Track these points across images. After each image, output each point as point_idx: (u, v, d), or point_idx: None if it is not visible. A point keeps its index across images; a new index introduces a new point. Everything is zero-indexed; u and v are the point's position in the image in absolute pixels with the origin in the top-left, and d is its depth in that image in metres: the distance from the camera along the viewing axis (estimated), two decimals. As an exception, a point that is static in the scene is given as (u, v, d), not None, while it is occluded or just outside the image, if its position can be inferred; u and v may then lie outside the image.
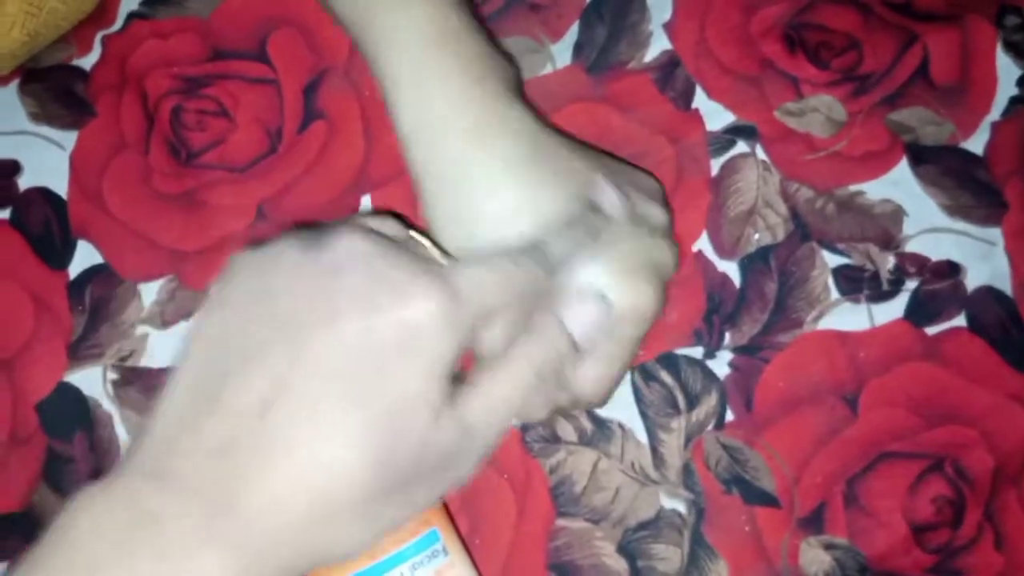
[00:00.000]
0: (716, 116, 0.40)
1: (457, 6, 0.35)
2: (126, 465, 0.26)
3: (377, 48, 0.34)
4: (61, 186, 0.41)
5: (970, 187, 0.39)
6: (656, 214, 0.34)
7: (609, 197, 0.33)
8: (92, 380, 0.38)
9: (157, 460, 0.26)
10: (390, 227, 0.32)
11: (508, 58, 0.36)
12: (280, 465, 0.26)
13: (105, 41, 0.42)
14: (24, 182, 0.41)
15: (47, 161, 0.41)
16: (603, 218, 0.33)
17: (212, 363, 0.27)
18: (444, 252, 0.33)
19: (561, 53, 0.42)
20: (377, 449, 0.26)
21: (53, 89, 0.42)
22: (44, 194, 0.41)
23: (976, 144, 0.40)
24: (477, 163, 0.33)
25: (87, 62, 0.42)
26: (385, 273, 0.28)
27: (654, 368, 0.38)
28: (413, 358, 0.27)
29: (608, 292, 0.32)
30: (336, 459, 0.26)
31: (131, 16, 0.43)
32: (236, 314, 0.28)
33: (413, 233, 0.32)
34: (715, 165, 0.40)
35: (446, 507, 0.35)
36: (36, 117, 0.42)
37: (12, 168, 0.41)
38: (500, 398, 0.29)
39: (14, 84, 0.42)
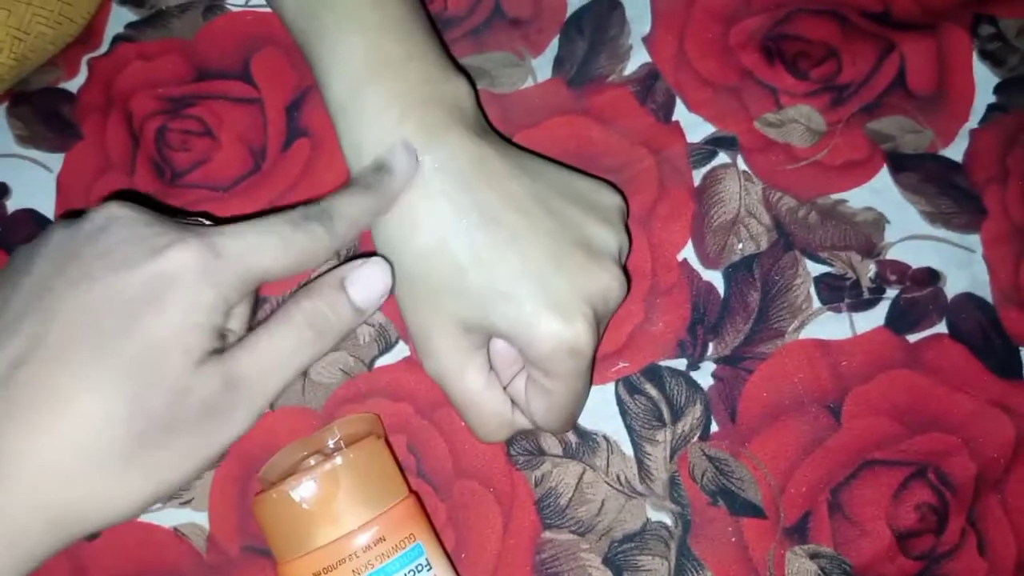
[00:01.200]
0: (696, 128, 0.41)
1: (400, 32, 0.35)
2: None
3: (323, 76, 0.35)
4: (48, 207, 0.41)
5: (950, 194, 0.39)
6: (604, 238, 0.34)
7: (396, 159, 0.33)
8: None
9: None
10: (173, 213, 0.33)
11: (463, 79, 0.35)
12: (30, 419, 0.27)
13: (91, 64, 0.43)
14: (12, 204, 0.41)
15: (34, 183, 0.41)
16: (389, 175, 0.33)
17: None
18: None
19: (542, 67, 0.42)
20: (127, 396, 0.27)
21: (40, 112, 0.42)
22: (31, 216, 0.41)
23: (955, 151, 0.40)
24: (402, 197, 0.33)
25: (74, 85, 0.43)
26: (141, 232, 0.29)
27: (639, 381, 0.38)
28: (166, 307, 0.28)
29: (537, 328, 0.31)
30: (88, 408, 0.27)
31: (117, 39, 0.43)
32: (4, 292, 0.29)
33: (203, 220, 0.33)
34: (697, 176, 0.40)
35: (430, 520, 0.35)
36: (23, 140, 0.42)
37: (0, 191, 0.41)
38: (271, 351, 0.30)
39: (2, 107, 0.42)
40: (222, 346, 0.30)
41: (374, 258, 0.33)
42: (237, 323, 0.33)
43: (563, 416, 0.34)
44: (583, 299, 0.32)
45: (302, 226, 0.31)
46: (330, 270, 0.33)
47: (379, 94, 0.34)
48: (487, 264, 0.32)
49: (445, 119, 0.34)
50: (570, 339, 0.32)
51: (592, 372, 0.34)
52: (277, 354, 0.30)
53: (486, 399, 0.34)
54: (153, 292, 0.28)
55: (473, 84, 0.36)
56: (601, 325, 0.34)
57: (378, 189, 0.32)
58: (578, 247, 0.33)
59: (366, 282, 0.32)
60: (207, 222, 0.33)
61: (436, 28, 0.37)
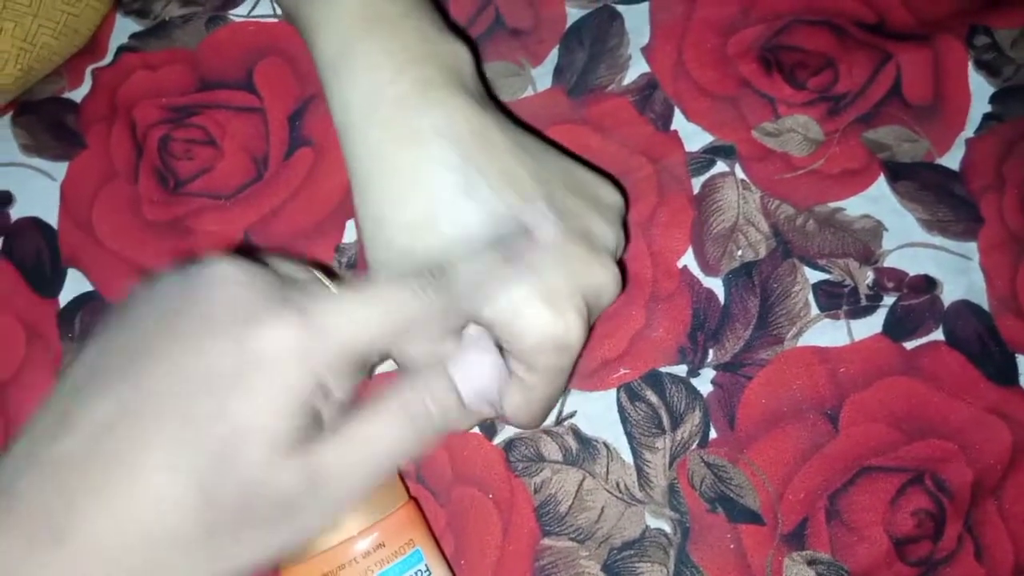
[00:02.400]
0: (695, 137, 0.41)
1: None
2: None
3: (312, 35, 0.33)
4: (52, 216, 0.41)
5: (947, 201, 0.40)
6: (603, 233, 0.32)
7: (542, 226, 0.30)
8: (82, 407, 0.39)
9: (5, 472, 0.25)
10: (290, 267, 0.30)
11: (462, 44, 0.33)
12: (109, 491, 0.25)
13: (96, 74, 0.43)
14: (16, 212, 0.41)
15: (38, 192, 0.41)
16: (531, 243, 0.30)
17: (75, 387, 0.26)
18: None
19: (542, 77, 0.42)
20: (201, 483, 0.25)
21: (44, 121, 0.43)
22: (35, 224, 0.41)
23: (952, 160, 0.40)
24: (395, 160, 0.31)
25: (78, 94, 0.43)
26: (242, 299, 0.26)
27: (639, 387, 0.38)
28: (255, 391, 0.25)
29: (525, 319, 0.29)
30: (161, 490, 0.24)
31: (121, 49, 0.44)
32: (107, 341, 0.27)
33: (319, 273, 0.30)
34: (696, 184, 0.40)
35: (430, 526, 0.35)
36: (28, 149, 0.42)
37: (4, 199, 0.42)
38: (362, 450, 0.27)
39: (7, 117, 0.43)
40: (312, 433, 0.27)
41: (483, 344, 0.30)
42: (342, 395, 0.29)
43: (537, 412, 0.33)
44: (578, 292, 0.30)
45: (415, 291, 0.28)
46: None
47: (372, 50, 0.31)
48: (479, 245, 0.30)
49: (443, 80, 0.31)
50: (559, 334, 0.30)
51: (574, 369, 0.32)
52: (369, 448, 0.27)
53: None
54: (244, 372, 0.25)
55: (474, 49, 0.34)
56: (589, 322, 0.32)
57: (517, 259, 0.30)
58: (578, 238, 0.31)
59: (477, 375, 0.30)
60: (324, 280, 0.30)
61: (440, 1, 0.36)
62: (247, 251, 0.31)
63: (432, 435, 0.29)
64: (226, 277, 0.27)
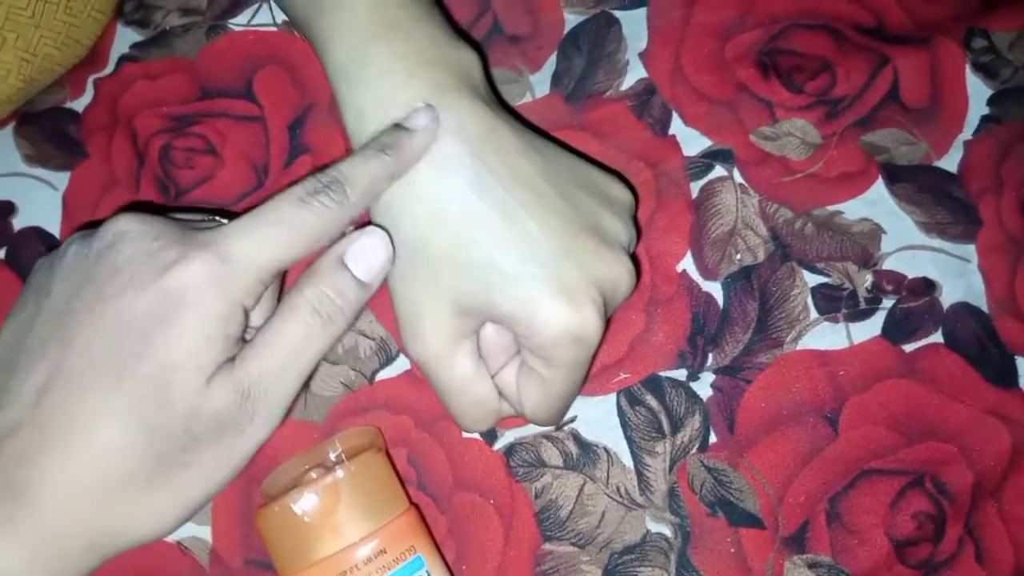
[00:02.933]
0: (693, 141, 0.41)
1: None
2: None
3: (324, 43, 0.34)
4: (54, 225, 0.41)
5: (946, 204, 0.40)
6: (614, 227, 0.32)
7: (413, 117, 0.31)
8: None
9: None
10: (188, 215, 0.33)
11: (472, 49, 0.34)
12: (59, 447, 0.27)
13: (97, 84, 0.44)
14: (18, 222, 0.42)
15: (40, 201, 0.42)
16: (406, 132, 0.31)
17: (3, 365, 0.29)
18: None
19: (540, 83, 0.42)
20: (143, 421, 0.27)
21: (46, 131, 0.43)
22: (38, 233, 0.41)
23: (950, 163, 0.40)
24: None
25: (79, 104, 0.43)
26: (149, 247, 0.29)
27: (640, 392, 0.38)
28: (176, 326, 0.28)
29: (541, 313, 0.30)
30: (107, 436, 0.27)
31: (122, 59, 0.44)
32: (26, 316, 0.30)
33: (212, 217, 0.33)
34: (694, 188, 0.40)
35: (431, 532, 0.35)
36: (30, 159, 0.43)
37: (7, 209, 0.42)
38: (281, 353, 0.29)
39: (10, 127, 0.43)
40: (238, 351, 0.29)
41: (369, 227, 0.32)
42: (262, 315, 0.32)
43: (556, 408, 0.33)
44: (593, 285, 0.31)
45: (311, 204, 0.29)
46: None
47: (384, 54, 0.32)
48: (492, 239, 0.30)
49: (455, 83, 0.32)
50: (577, 327, 0.30)
51: (592, 364, 0.33)
52: (287, 351, 0.30)
53: (474, 388, 0.32)
54: (163, 311, 0.28)
55: (482, 55, 0.34)
56: (609, 312, 0.32)
57: (396, 150, 0.30)
58: (590, 233, 0.31)
59: (366, 254, 0.31)
60: (223, 220, 0.32)
61: (441, 6, 0.37)
62: (148, 208, 0.33)
63: (343, 322, 0.31)
64: (127, 230, 0.29)
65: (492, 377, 0.33)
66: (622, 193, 0.35)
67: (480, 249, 0.30)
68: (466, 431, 0.34)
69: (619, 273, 0.32)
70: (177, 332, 0.28)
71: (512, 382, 0.33)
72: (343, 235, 0.32)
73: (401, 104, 0.32)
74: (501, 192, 0.31)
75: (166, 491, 0.28)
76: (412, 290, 0.32)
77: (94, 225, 0.31)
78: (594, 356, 0.32)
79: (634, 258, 0.34)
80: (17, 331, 0.30)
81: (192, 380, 0.28)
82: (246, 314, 0.30)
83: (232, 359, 0.29)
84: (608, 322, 0.34)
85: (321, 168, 0.31)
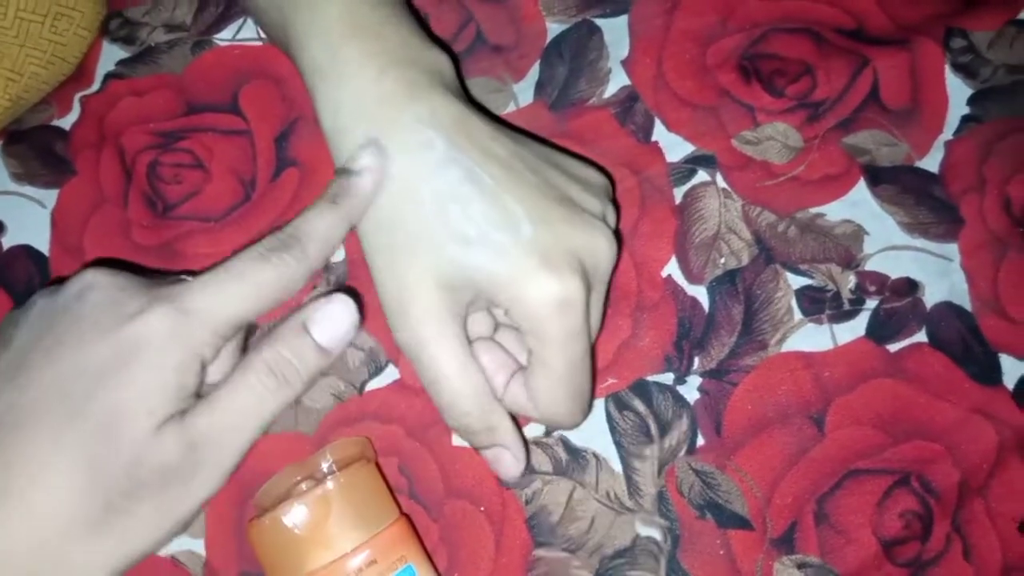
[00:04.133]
0: (676, 147, 0.41)
1: (374, 1, 0.35)
2: None
3: (298, 46, 0.35)
4: (43, 243, 0.42)
5: (927, 204, 0.40)
6: (585, 199, 0.33)
7: (359, 157, 0.32)
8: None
9: None
10: (154, 273, 0.33)
11: (442, 52, 0.35)
12: (8, 488, 0.27)
13: (84, 101, 0.44)
14: (7, 241, 0.42)
15: (29, 219, 0.42)
16: (352, 178, 0.32)
17: None
18: None
19: (524, 92, 0.43)
20: (88, 465, 0.27)
21: (34, 149, 0.43)
22: (27, 251, 0.42)
23: (931, 163, 0.40)
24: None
25: (66, 122, 0.44)
26: (115, 297, 0.29)
27: (627, 397, 0.38)
28: (131, 372, 0.28)
29: (521, 282, 0.31)
30: (52, 479, 0.27)
31: (108, 76, 0.44)
32: None
33: (185, 277, 0.33)
34: (678, 194, 0.41)
35: (422, 541, 0.35)
36: (18, 177, 0.43)
37: (-4, 227, 0.42)
38: (233, 407, 0.29)
39: (-3, 146, 0.44)
40: (191, 404, 0.29)
41: (336, 295, 0.32)
42: (220, 371, 0.32)
43: (567, 393, 0.33)
44: (568, 251, 0.31)
45: (271, 260, 0.30)
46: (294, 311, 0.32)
47: (358, 52, 0.33)
48: (466, 212, 0.31)
49: (427, 80, 0.33)
50: (558, 290, 0.30)
51: (593, 352, 0.33)
52: (239, 409, 0.30)
53: (462, 376, 0.32)
54: (120, 358, 0.28)
55: (455, 59, 0.35)
56: (595, 286, 0.33)
57: (346, 196, 0.32)
58: (561, 203, 0.32)
59: (330, 321, 0.31)
60: (190, 280, 0.32)
61: (420, 17, 0.38)
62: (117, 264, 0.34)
63: (299, 386, 0.31)
64: (94, 283, 0.30)
65: (501, 399, 0.34)
66: (594, 175, 0.35)
67: (455, 223, 0.31)
68: (454, 425, 0.34)
69: (593, 238, 0.32)
70: (130, 377, 0.28)
71: (521, 392, 0.34)
72: (311, 290, 0.32)
73: (373, 98, 0.33)
74: (473, 167, 0.32)
75: (109, 538, 0.28)
76: (393, 273, 0.32)
77: (59, 282, 0.32)
78: (594, 347, 0.33)
79: (616, 235, 0.34)
80: None
81: (141, 425, 0.28)
82: (203, 367, 0.30)
83: (184, 412, 0.29)
84: (607, 302, 0.35)
85: (279, 227, 0.32)
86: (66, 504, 0.27)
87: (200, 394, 0.30)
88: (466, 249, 0.31)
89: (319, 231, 0.31)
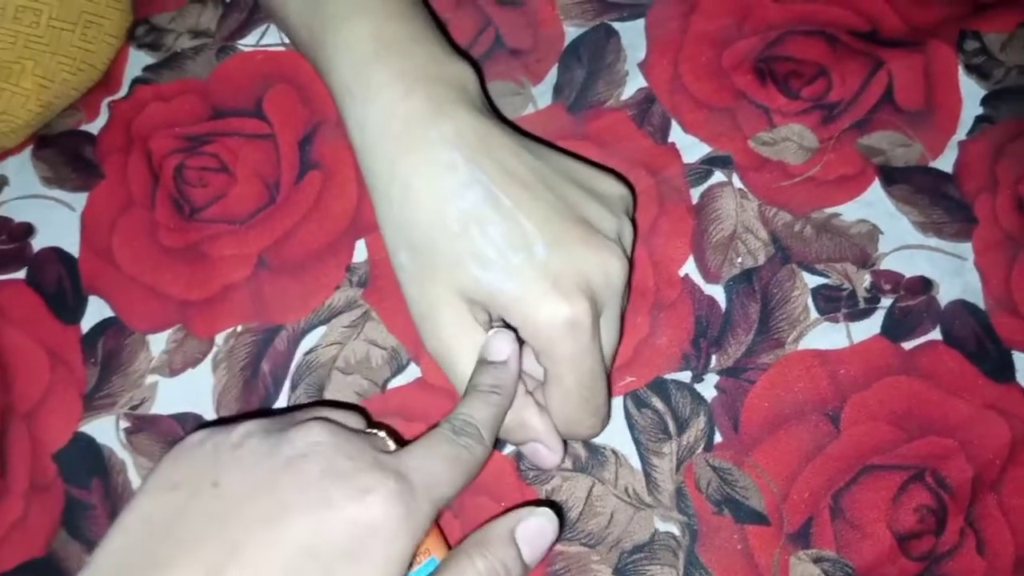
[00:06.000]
0: (692, 148, 0.42)
1: (403, 18, 0.36)
2: None
3: (327, 63, 0.36)
4: (73, 245, 0.43)
5: (942, 204, 0.40)
6: (600, 218, 0.34)
7: (500, 342, 0.33)
8: (106, 429, 0.40)
9: None
10: (353, 420, 0.32)
11: (468, 65, 0.36)
12: None
13: (111, 106, 0.45)
14: (38, 243, 0.43)
15: (59, 222, 0.43)
16: (502, 367, 0.33)
17: (142, 548, 0.26)
18: (399, 441, 0.32)
19: (542, 94, 0.43)
20: None
21: (63, 154, 0.44)
22: (57, 253, 0.43)
23: (945, 163, 0.41)
24: (406, 165, 0.34)
25: (95, 127, 0.45)
26: (342, 467, 0.27)
27: (646, 395, 0.39)
28: (364, 564, 0.26)
29: (531, 305, 0.32)
30: None
31: (135, 82, 0.45)
32: (178, 499, 0.27)
33: (374, 430, 0.33)
34: (695, 194, 0.41)
35: (444, 537, 0.36)
36: (48, 181, 0.44)
37: (27, 230, 0.43)
38: None
39: (28, 151, 0.45)
40: None
41: (543, 509, 0.31)
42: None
43: (581, 407, 0.34)
44: (578, 273, 0.32)
45: (459, 444, 0.30)
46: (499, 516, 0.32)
47: (385, 71, 0.34)
48: (485, 233, 0.32)
49: (452, 96, 0.34)
50: (568, 315, 0.32)
51: (604, 362, 0.34)
52: None
53: None
54: (352, 543, 0.26)
55: (478, 69, 0.36)
56: (608, 304, 0.34)
57: (501, 387, 0.32)
58: (576, 223, 0.33)
59: (538, 537, 0.31)
60: (389, 441, 0.32)
61: (440, 22, 0.39)
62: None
63: None
64: (320, 442, 0.28)
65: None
66: (612, 187, 0.36)
67: (476, 244, 0.33)
68: None
69: (605, 259, 0.33)
70: (363, 564, 0.26)
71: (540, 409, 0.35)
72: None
73: (400, 116, 0.34)
74: (493, 189, 0.33)
75: None
76: (424, 285, 0.34)
77: (267, 414, 0.31)
78: (613, 358, 0.34)
79: (632, 253, 0.35)
80: (159, 510, 0.27)
81: None
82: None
83: None
84: (624, 315, 0.36)
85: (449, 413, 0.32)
86: None
87: None
88: (485, 269, 0.33)
89: (490, 420, 0.32)
